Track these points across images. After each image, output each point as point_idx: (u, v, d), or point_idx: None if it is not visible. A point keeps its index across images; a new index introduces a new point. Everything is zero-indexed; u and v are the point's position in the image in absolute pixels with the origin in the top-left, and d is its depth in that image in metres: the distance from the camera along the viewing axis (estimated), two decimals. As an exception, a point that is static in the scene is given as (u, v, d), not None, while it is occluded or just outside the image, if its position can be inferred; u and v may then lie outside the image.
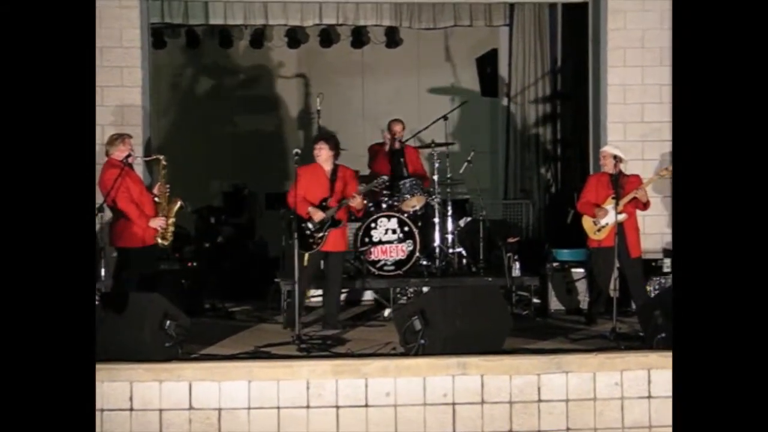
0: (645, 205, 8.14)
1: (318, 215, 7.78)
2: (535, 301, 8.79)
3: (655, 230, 9.10)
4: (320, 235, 7.79)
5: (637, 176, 8.20)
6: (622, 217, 7.87)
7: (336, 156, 8.06)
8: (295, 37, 11.92)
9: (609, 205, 7.95)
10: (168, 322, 6.34)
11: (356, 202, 7.95)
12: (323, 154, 7.98)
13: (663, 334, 6.46)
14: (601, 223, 8.08)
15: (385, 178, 8.46)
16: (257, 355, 6.64)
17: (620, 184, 7.93)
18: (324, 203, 7.86)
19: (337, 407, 5.94)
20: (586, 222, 8.23)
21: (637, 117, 9.18)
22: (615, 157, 8.09)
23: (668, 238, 9.15)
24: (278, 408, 5.93)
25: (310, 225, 7.79)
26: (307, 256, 7.69)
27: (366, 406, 5.95)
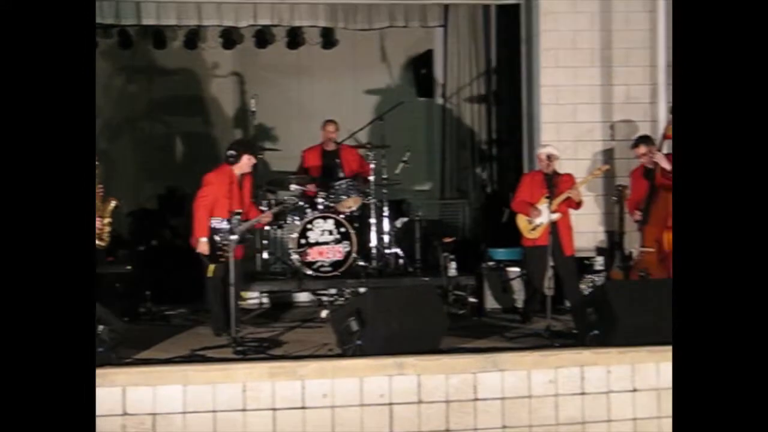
0: (578, 205, 8.25)
1: (204, 246, 7.46)
2: (472, 300, 8.85)
3: (588, 228, 9.23)
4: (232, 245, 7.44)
5: (569, 175, 8.32)
6: (555, 216, 7.99)
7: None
8: (230, 37, 11.81)
9: (543, 205, 8.04)
10: (101, 327, 6.24)
11: (265, 221, 7.95)
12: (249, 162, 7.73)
13: (596, 331, 6.57)
14: (536, 222, 8.17)
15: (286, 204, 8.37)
16: (193, 358, 6.57)
17: (554, 183, 8.04)
18: (237, 215, 7.39)
19: (274, 410, 5.91)
20: (521, 221, 8.32)
21: (569, 117, 9.31)
22: (549, 156, 8.20)
23: (601, 236, 9.30)
24: (214, 412, 5.88)
25: (217, 237, 7.37)
26: (212, 267, 7.46)
27: (303, 408, 5.93)
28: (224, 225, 7.29)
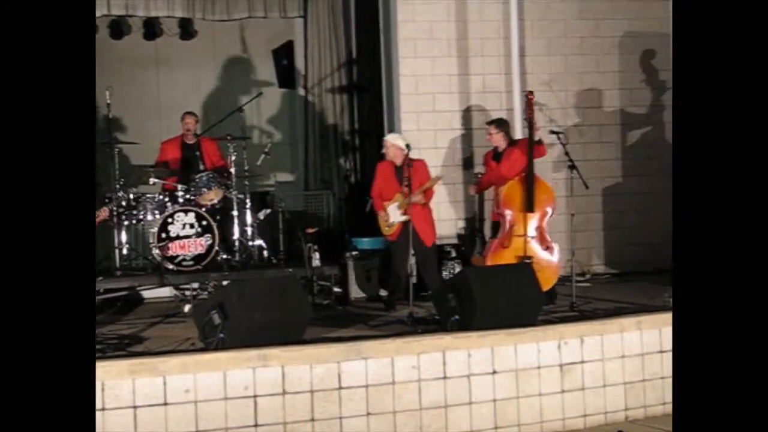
0: (424, 205, 8.35)
1: None
2: (336, 290, 8.89)
3: (449, 216, 9.40)
4: None
5: (421, 162, 8.32)
6: (403, 218, 8.06)
7: None
8: (84, 28, 11.47)
9: (393, 204, 8.17)
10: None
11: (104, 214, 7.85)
12: None
13: (456, 316, 6.69)
14: (389, 221, 8.27)
15: None
16: (49, 358, 6.37)
17: (406, 175, 8.04)
18: None
19: (135, 407, 5.78)
20: (379, 216, 8.41)
21: (428, 107, 9.44)
22: (393, 146, 8.27)
23: (462, 223, 9.49)
24: (72, 412, 5.72)
25: None
26: None
27: (165, 404, 5.82)
28: None
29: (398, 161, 8.25)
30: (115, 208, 8.60)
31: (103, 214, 7.81)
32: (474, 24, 9.50)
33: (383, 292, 8.72)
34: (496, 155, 8.40)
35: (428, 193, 8.29)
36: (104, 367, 5.84)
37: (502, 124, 8.45)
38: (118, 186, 8.70)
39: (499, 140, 8.33)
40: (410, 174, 7.99)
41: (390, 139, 8.43)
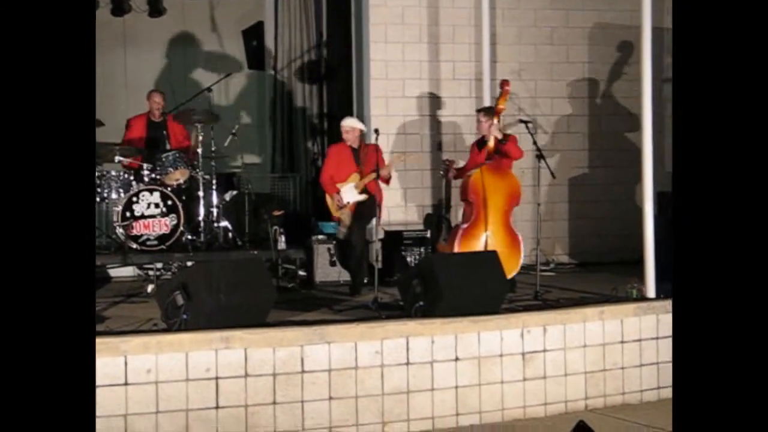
0: (387, 181, 8.36)
1: None
2: (301, 273, 8.87)
3: (416, 202, 9.41)
4: None
5: (375, 146, 8.27)
6: (361, 197, 8.05)
7: None
8: (51, 2, 11.32)
9: (349, 184, 8.16)
10: None
11: None
12: None
13: (421, 303, 6.69)
14: (344, 202, 8.26)
15: None
16: (8, 336, 6.31)
17: (360, 157, 8.07)
18: None
19: (96, 387, 5.74)
20: (328, 199, 8.39)
21: (398, 92, 9.43)
22: (353, 129, 8.28)
23: (429, 210, 9.49)
24: (31, 391, 5.66)
25: None
26: None
27: (126, 384, 5.78)
28: None
29: (356, 144, 8.27)
30: None
31: None
32: (446, 10, 9.50)
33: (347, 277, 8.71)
34: (479, 143, 8.41)
35: (389, 179, 8.31)
36: (65, 346, 5.79)
37: (490, 113, 8.45)
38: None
39: (487, 129, 8.31)
40: (364, 157, 8.09)
41: (351, 123, 8.43)
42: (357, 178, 8.18)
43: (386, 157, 8.61)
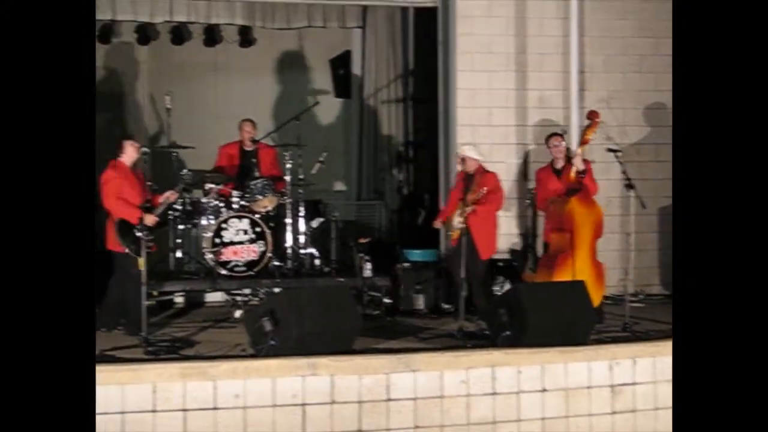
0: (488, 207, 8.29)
1: (151, 219, 7.45)
2: (386, 301, 8.88)
3: (502, 231, 9.33)
4: (152, 237, 7.40)
5: (491, 175, 8.24)
6: (460, 226, 7.97)
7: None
8: (146, 33, 11.65)
9: (457, 212, 8.16)
10: (6, 327, 6.10)
11: (173, 199, 7.89)
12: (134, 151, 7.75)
13: (507, 332, 6.65)
14: (453, 226, 8.26)
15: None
16: (101, 359, 6.45)
17: (471, 185, 8.09)
18: (148, 203, 7.61)
19: (185, 411, 5.84)
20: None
21: (485, 121, 9.41)
22: (462, 158, 8.28)
23: (515, 239, 9.43)
24: (122, 413, 5.77)
25: (141, 229, 7.26)
26: (141, 261, 7.28)
27: (215, 408, 5.87)
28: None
29: (467, 170, 8.27)
30: (180, 201, 8.67)
31: (172, 197, 7.87)
32: (533, 39, 9.45)
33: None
34: (555, 170, 8.35)
35: (488, 205, 8.17)
36: (156, 370, 5.92)
37: (562, 136, 8.43)
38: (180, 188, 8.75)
39: (560, 153, 8.27)
40: (476, 185, 8.02)
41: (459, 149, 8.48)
42: (461, 206, 8.12)
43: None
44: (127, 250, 7.40)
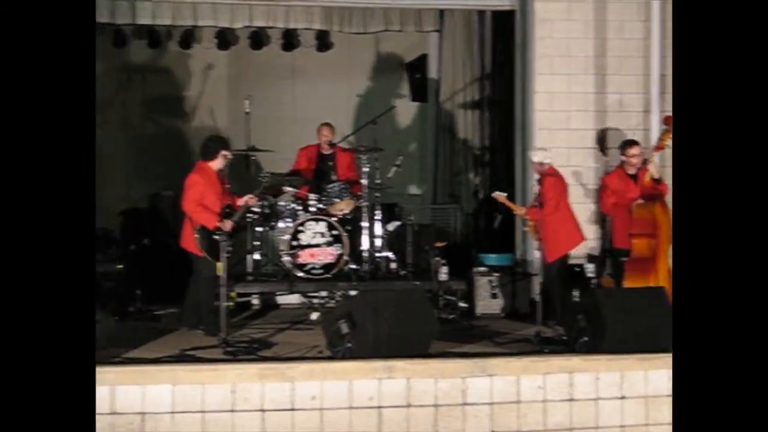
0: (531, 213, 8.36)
1: (228, 225, 7.54)
2: (462, 305, 8.86)
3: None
4: (230, 243, 7.47)
5: (550, 179, 8.29)
6: (527, 229, 8.13)
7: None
8: (225, 38, 11.83)
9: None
10: (91, 325, 6.24)
11: (252, 203, 7.96)
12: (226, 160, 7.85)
13: (585, 338, 6.58)
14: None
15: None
16: (182, 358, 6.58)
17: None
18: (228, 209, 7.69)
19: (263, 411, 5.91)
20: None
21: (563, 124, 9.32)
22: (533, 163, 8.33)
23: (592, 243, 9.32)
24: (203, 412, 5.87)
25: (220, 233, 7.43)
26: (220, 266, 7.41)
27: (292, 409, 5.93)
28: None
29: (537, 174, 8.41)
30: (255, 208, 8.79)
31: (251, 201, 7.96)
32: (613, 42, 9.33)
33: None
34: (630, 176, 8.29)
35: (544, 209, 8.16)
36: (236, 370, 6.00)
37: (637, 145, 8.42)
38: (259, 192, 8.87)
39: (637, 163, 8.28)
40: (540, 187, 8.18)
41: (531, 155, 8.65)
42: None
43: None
44: (205, 254, 7.52)
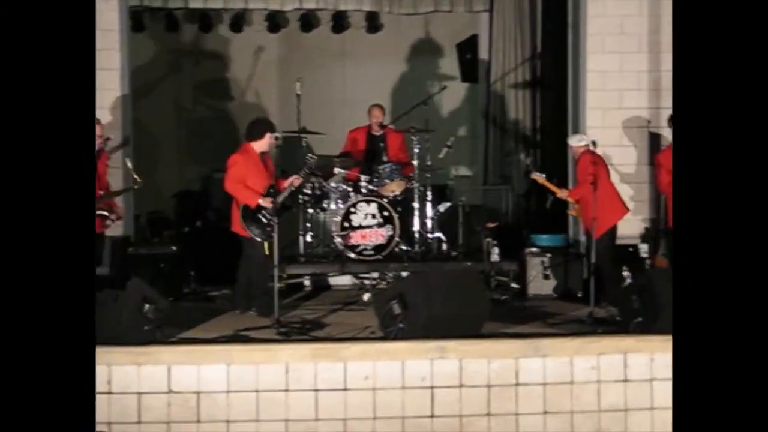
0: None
1: (267, 202, 7.55)
2: (514, 285, 8.84)
3: (633, 216, 9.14)
4: (276, 222, 7.51)
5: (581, 158, 8.26)
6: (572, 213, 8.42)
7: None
8: (275, 21, 11.88)
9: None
10: (146, 306, 6.34)
11: (297, 184, 7.93)
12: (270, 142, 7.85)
13: (640, 319, 6.53)
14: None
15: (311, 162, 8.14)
16: (236, 338, 6.65)
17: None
18: (272, 189, 7.66)
19: (316, 391, 5.97)
20: None
21: (615, 103, 9.21)
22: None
23: (647, 224, 9.23)
24: (257, 391, 5.95)
25: (266, 213, 7.53)
26: (267, 245, 7.56)
27: (345, 389, 5.98)
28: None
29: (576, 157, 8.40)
30: (306, 190, 8.83)
31: (296, 182, 7.97)
32: (667, 18, 9.15)
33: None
34: None
35: (579, 189, 8.20)
36: (289, 350, 6.07)
37: None
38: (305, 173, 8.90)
39: None
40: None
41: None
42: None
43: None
44: (250, 234, 7.59)
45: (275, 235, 7.27)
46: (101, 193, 7.60)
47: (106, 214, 7.60)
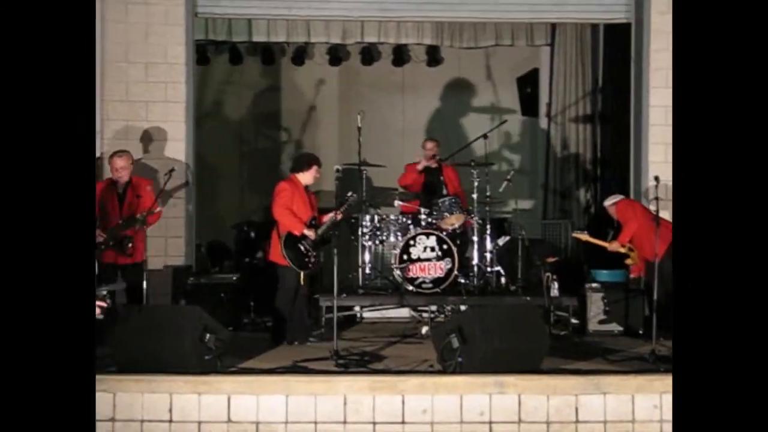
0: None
1: (311, 233, 7.75)
2: (574, 321, 8.74)
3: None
4: (315, 253, 7.78)
5: (616, 207, 8.55)
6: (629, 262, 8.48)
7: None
8: (337, 54, 12.02)
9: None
10: (208, 335, 6.40)
11: (339, 218, 8.01)
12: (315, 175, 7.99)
13: (703, 357, 6.41)
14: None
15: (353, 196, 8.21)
16: (295, 369, 6.67)
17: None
18: (313, 221, 7.84)
19: (374, 423, 5.95)
20: None
21: (679, 138, 9.13)
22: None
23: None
24: (315, 423, 5.95)
25: (306, 243, 7.74)
26: (303, 275, 7.74)
27: (403, 422, 5.95)
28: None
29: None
30: (362, 228, 8.90)
31: (337, 216, 7.98)
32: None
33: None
34: None
35: (624, 235, 8.38)
36: (347, 382, 6.06)
37: None
38: (365, 206, 8.98)
39: None
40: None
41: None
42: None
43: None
44: (289, 263, 7.67)
45: (334, 267, 7.31)
46: (120, 222, 7.71)
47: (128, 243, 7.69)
